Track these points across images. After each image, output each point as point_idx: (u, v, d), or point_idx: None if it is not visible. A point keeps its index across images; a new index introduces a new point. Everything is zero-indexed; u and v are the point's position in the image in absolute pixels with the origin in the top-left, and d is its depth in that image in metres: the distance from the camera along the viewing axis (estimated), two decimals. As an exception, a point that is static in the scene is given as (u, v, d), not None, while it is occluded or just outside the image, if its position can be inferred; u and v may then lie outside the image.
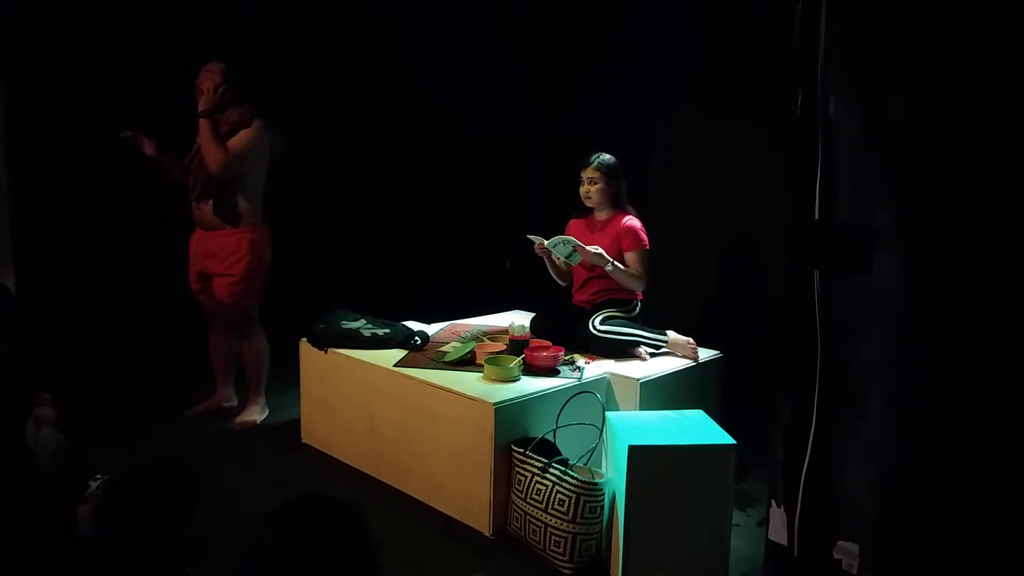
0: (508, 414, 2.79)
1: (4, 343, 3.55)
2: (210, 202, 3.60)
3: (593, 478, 2.62)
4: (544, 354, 3.12)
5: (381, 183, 5.22)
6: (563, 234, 3.64)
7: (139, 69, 4.23)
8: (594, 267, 3.42)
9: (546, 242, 3.38)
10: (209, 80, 3.56)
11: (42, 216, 4.05)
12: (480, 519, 2.84)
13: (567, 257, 3.41)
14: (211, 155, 3.52)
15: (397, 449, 3.16)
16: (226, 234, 3.62)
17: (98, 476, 2.29)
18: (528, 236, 3.44)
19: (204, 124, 3.54)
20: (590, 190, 3.46)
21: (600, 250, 3.33)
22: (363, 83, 5.11)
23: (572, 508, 2.54)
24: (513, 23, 5.28)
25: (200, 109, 3.54)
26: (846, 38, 1.80)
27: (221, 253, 3.64)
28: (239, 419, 3.82)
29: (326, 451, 3.50)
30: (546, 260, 3.58)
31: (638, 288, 3.46)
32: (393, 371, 3.14)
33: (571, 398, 2.79)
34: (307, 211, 4.66)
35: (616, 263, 3.36)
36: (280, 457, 3.48)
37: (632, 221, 3.44)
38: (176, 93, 3.66)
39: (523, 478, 2.69)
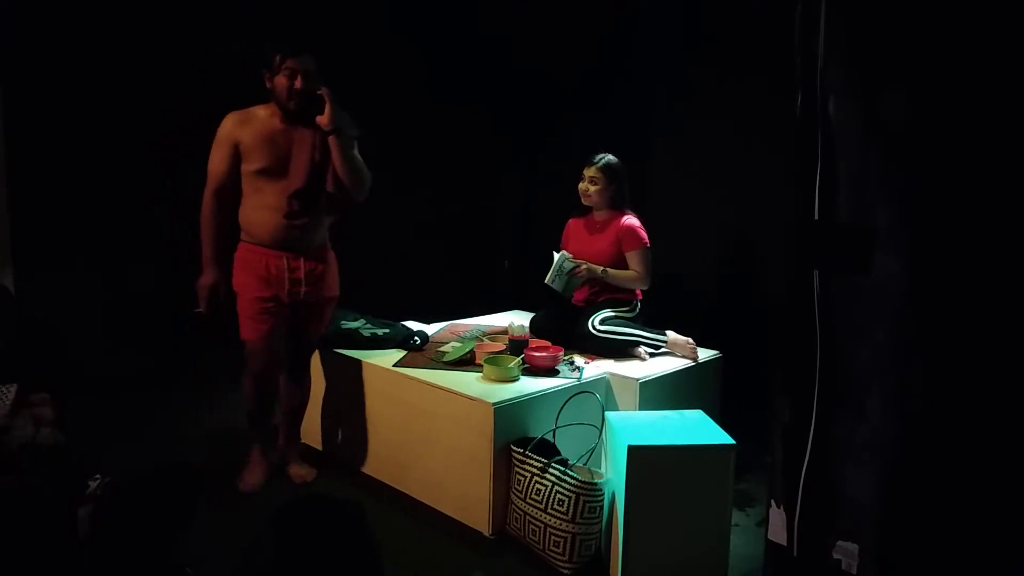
0: (507, 414, 2.79)
1: (3, 342, 3.54)
2: (320, 227, 3.07)
3: (592, 478, 2.62)
4: (543, 354, 3.12)
5: (380, 183, 5.20)
6: (563, 232, 3.67)
7: (139, 68, 4.23)
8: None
9: (546, 280, 3.41)
10: (311, 79, 2.84)
11: (42, 216, 4.05)
12: (480, 519, 2.84)
13: (563, 290, 3.42)
14: (364, 179, 3.02)
15: (397, 449, 3.16)
16: (326, 252, 3.13)
17: (97, 476, 2.29)
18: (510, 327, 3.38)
19: (338, 143, 2.88)
20: (589, 188, 3.47)
21: (587, 264, 3.37)
22: (361, 82, 5.10)
23: (571, 508, 2.54)
24: (513, 23, 5.28)
25: (330, 126, 2.84)
26: (846, 38, 1.80)
27: (327, 276, 3.10)
28: (301, 471, 3.24)
29: (326, 451, 3.49)
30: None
31: (640, 287, 3.47)
32: (393, 371, 3.14)
33: (570, 398, 2.79)
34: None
35: (608, 268, 3.38)
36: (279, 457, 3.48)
37: (631, 220, 3.45)
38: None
39: (522, 478, 2.69)
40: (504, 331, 3.54)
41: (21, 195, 3.96)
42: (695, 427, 2.55)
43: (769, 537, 2.06)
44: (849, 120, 1.81)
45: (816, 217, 1.87)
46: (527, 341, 3.30)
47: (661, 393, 3.14)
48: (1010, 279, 1.67)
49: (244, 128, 2.88)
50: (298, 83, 2.80)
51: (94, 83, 4.11)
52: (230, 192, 2.94)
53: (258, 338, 2.98)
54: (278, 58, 2.80)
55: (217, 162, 2.92)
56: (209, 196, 2.93)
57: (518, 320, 3.49)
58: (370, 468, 3.28)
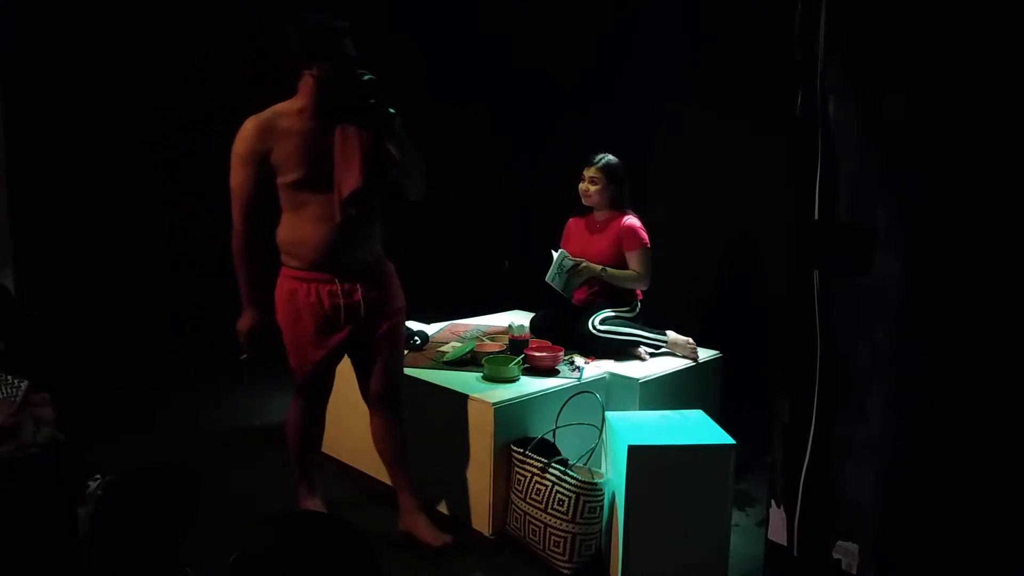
0: (508, 414, 2.79)
1: (3, 342, 3.54)
2: (376, 235, 2.67)
3: (592, 478, 2.62)
4: (544, 354, 3.12)
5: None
6: (563, 232, 3.67)
7: (139, 68, 4.23)
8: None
9: (546, 278, 3.42)
10: (354, 67, 2.44)
11: (42, 216, 4.06)
12: (480, 519, 2.84)
13: (563, 288, 3.43)
14: (423, 170, 2.64)
15: (397, 449, 3.15)
16: (384, 262, 2.71)
17: (98, 476, 2.29)
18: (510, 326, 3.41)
19: (391, 134, 2.48)
20: (589, 189, 3.47)
21: (587, 263, 3.38)
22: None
23: (572, 508, 2.54)
24: (513, 23, 5.28)
25: (384, 115, 2.43)
26: (846, 38, 1.80)
27: (390, 287, 2.69)
28: (434, 533, 2.71)
29: (326, 451, 3.49)
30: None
31: (639, 287, 3.47)
32: (393, 371, 3.14)
33: (571, 398, 2.79)
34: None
35: (607, 268, 3.38)
36: (280, 457, 3.47)
37: (631, 220, 3.45)
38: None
39: (523, 478, 2.69)
40: (504, 331, 3.54)
41: (21, 195, 3.97)
42: (695, 427, 2.55)
43: (769, 537, 2.06)
44: (849, 120, 1.81)
45: (816, 217, 1.87)
46: (527, 341, 3.30)
47: (661, 393, 3.14)
48: (1010, 279, 1.67)
49: (273, 136, 2.40)
50: (342, 74, 2.39)
51: (94, 83, 4.12)
52: (261, 212, 2.47)
53: (313, 380, 2.64)
54: (314, 47, 2.38)
55: (245, 181, 2.41)
56: (240, 223, 2.45)
57: (518, 320, 3.50)
58: (370, 468, 3.28)
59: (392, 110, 2.45)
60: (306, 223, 2.46)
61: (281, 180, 2.44)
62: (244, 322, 2.56)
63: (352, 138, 2.44)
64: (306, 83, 2.43)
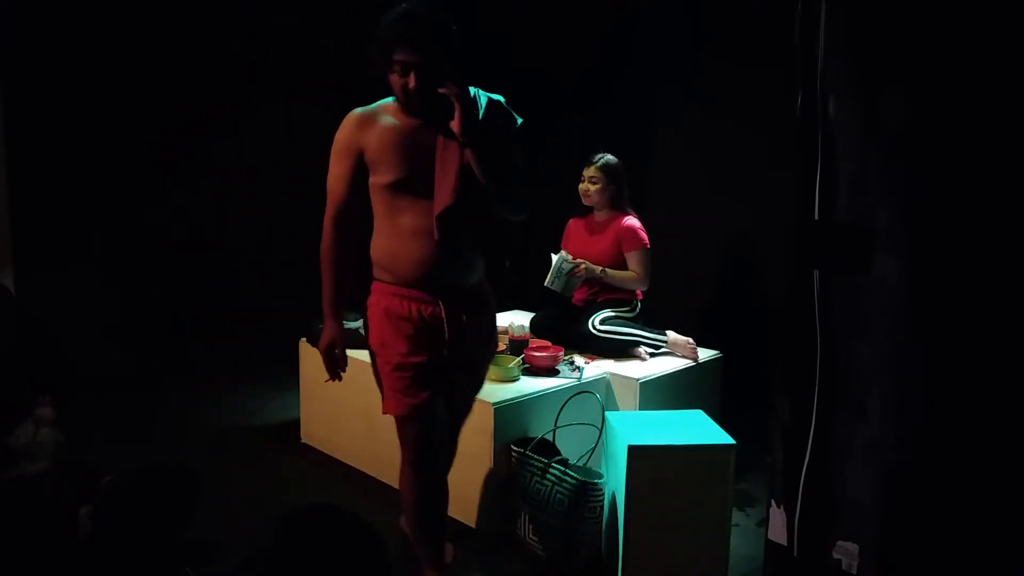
0: (508, 414, 2.79)
1: (3, 342, 3.54)
2: (480, 256, 2.34)
3: (592, 478, 2.62)
4: (544, 354, 3.12)
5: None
6: (563, 232, 3.67)
7: (139, 68, 4.23)
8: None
9: (545, 283, 3.41)
10: (429, 75, 2.12)
11: (42, 216, 4.06)
12: (480, 519, 2.83)
13: (563, 290, 3.42)
14: (512, 192, 2.29)
15: (397, 449, 3.15)
16: (486, 289, 2.40)
17: (108, 477, 2.29)
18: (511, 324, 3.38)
19: (474, 155, 2.16)
20: (590, 188, 3.47)
21: (586, 264, 3.37)
22: (362, 82, 5.10)
23: (571, 508, 2.54)
24: (513, 23, 5.28)
25: (463, 135, 2.15)
26: (846, 38, 1.80)
27: (491, 322, 2.43)
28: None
29: (326, 451, 3.50)
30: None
31: (639, 287, 3.47)
32: (393, 371, 3.14)
33: (571, 398, 2.79)
34: (307, 210, 4.67)
35: (607, 269, 3.38)
36: (280, 457, 3.48)
37: (631, 221, 3.45)
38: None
39: (523, 478, 2.69)
40: (504, 331, 3.54)
41: (21, 195, 3.97)
42: (695, 427, 2.55)
43: (769, 537, 2.05)
44: (849, 120, 1.81)
45: (816, 217, 1.87)
46: (527, 341, 3.30)
47: (661, 393, 3.14)
48: (1010, 279, 1.67)
49: (368, 130, 2.18)
50: (411, 81, 2.09)
51: (94, 83, 4.12)
52: (356, 216, 2.22)
53: (411, 415, 2.22)
54: (388, 49, 2.10)
55: (336, 178, 2.20)
56: (329, 224, 2.21)
57: (518, 320, 3.49)
58: (371, 468, 3.28)
59: (471, 135, 2.18)
60: (403, 235, 2.19)
61: (375, 180, 2.19)
62: (323, 338, 2.25)
63: (452, 149, 2.17)
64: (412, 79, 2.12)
